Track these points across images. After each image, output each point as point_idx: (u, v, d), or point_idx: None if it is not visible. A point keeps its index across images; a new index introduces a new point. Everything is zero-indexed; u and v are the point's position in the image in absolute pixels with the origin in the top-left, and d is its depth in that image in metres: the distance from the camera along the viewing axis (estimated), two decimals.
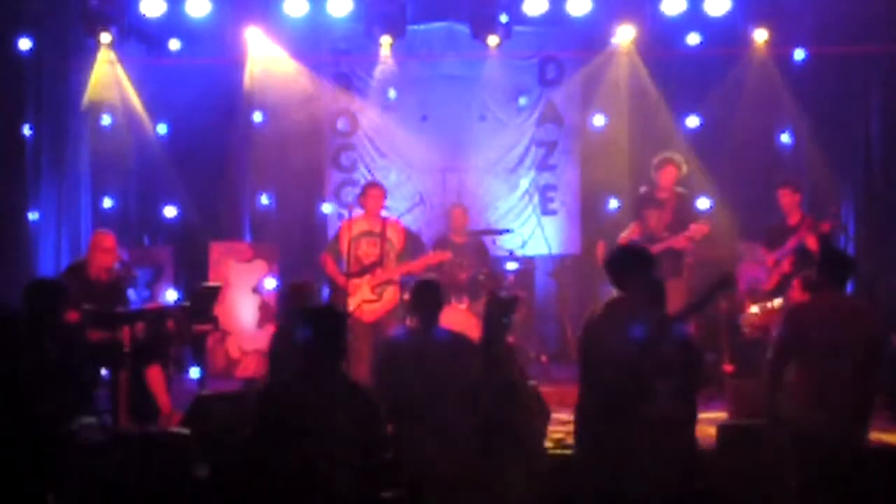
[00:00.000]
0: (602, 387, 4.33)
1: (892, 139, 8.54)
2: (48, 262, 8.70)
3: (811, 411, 4.66)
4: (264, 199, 9.53)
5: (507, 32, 8.80)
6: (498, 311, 5.04)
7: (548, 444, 5.81)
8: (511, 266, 8.43)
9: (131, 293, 7.29)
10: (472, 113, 9.50)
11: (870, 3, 8.34)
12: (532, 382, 5.91)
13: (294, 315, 4.97)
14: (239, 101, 9.18)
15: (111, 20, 8.64)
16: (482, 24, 8.73)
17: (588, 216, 9.43)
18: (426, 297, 4.87)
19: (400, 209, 8.66)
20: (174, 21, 8.76)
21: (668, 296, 6.29)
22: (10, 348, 4.86)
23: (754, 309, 7.04)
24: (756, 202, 8.32)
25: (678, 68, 8.95)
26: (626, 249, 4.86)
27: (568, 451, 5.64)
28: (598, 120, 9.36)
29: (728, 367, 7.14)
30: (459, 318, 7.33)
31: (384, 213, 7.36)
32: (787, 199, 7.33)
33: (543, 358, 8.37)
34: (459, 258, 7.84)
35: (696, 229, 7.27)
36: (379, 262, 7.05)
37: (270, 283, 9.10)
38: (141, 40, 9.04)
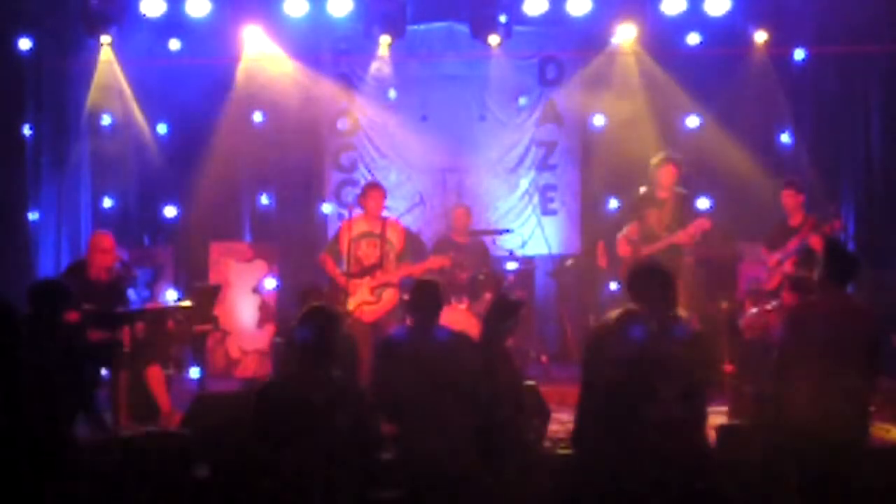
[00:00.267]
0: (606, 390, 4.32)
1: (892, 139, 8.55)
2: (48, 262, 8.70)
3: (813, 411, 4.66)
4: (264, 199, 9.53)
5: (507, 32, 8.80)
6: (500, 313, 5.04)
7: (547, 443, 5.81)
8: (511, 266, 8.44)
9: (131, 293, 7.29)
10: (472, 113, 9.50)
11: (870, 3, 8.35)
12: (531, 382, 5.90)
13: None
14: (239, 101, 9.17)
15: (111, 20, 8.64)
16: (482, 24, 8.73)
17: (588, 216, 9.43)
18: (425, 296, 4.87)
19: (400, 209, 8.66)
20: (174, 21, 8.75)
21: None
22: (10, 348, 4.85)
23: (753, 310, 7.05)
24: (756, 202, 8.32)
25: (678, 68, 8.94)
26: (650, 268, 4.82)
27: (568, 451, 5.66)
28: (598, 120, 9.36)
29: (728, 368, 7.14)
30: (459, 318, 7.33)
31: (384, 214, 7.36)
32: (791, 200, 7.33)
33: (543, 358, 8.37)
34: (460, 258, 7.84)
35: (698, 224, 7.27)
36: (379, 264, 7.05)
37: (270, 283, 9.10)
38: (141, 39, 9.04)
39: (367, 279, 7.03)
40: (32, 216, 8.72)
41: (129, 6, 8.64)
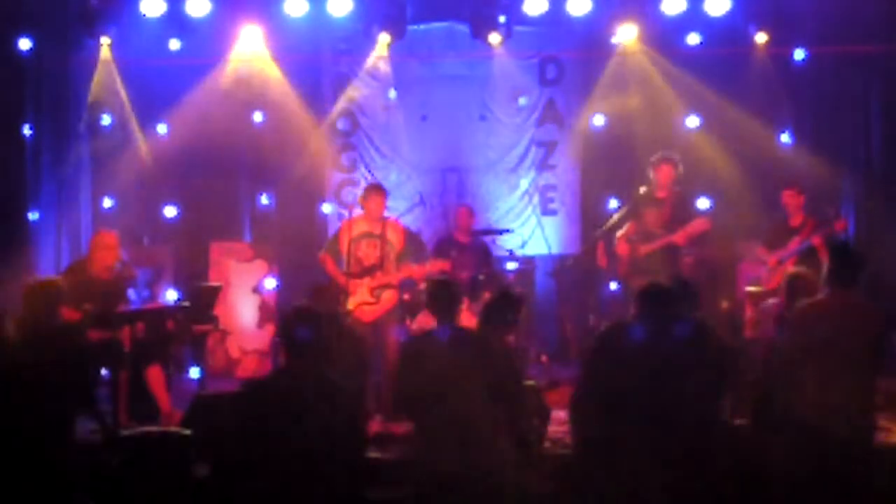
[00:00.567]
0: (620, 390, 4.33)
1: (892, 139, 8.54)
2: (48, 262, 8.70)
3: (817, 410, 4.66)
4: (264, 199, 9.52)
5: (507, 32, 8.80)
6: (500, 305, 5.04)
7: (547, 444, 5.81)
8: (511, 266, 8.44)
9: (131, 293, 7.29)
10: (472, 113, 9.50)
11: (870, 3, 8.35)
12: (531, 382, 5.90)
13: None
14: (239, 101, 9.17)
15: (111, 20, 8.64)
16: (482, 24, 8.73)
17: (588, 216, 9.42)
18: (443, 295, 4.87)
19: (400, 209, 8.67)
20: (174, 21, 8.75)
21: None
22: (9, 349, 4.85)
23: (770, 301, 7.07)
24: (756, 202, 8.32)
25: (678, 68, 8.93)
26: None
27: (567, 451, 5.66)
28: (598, 120, 9.36)
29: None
30: (459, 317, 7.31)
31: (385, 214, 7.35)
32: (792, 201, 7.35)
33: (543, 358, 8.37)
34: (463, 258, 7.84)
35: (696, 225, 7.28)
36: (379, 265, 7.04)
37: (270, 283, 9.10)
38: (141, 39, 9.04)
39: (366, 279, 7.03)
40: (32, 216, 8.72)
41: (128, 6, 8.63)
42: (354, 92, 9.44)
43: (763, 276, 7.49)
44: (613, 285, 8.35)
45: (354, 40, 9.18)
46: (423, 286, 8.04)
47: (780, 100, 8.91)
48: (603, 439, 4.40)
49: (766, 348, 5.50)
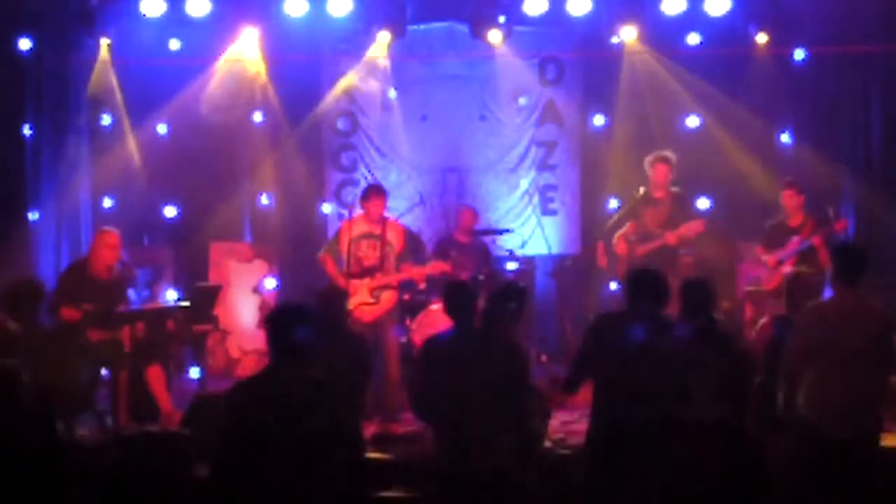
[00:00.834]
0: (630, 389, 4.34)
1: (892, 139, 8.54)
2: (48, 262, 8.70)
3: (824, 411, 4.66)
4: (264, 199, 9.52)
5: (507, 32, 8.80)
6: (502, 296, 5.04)
7: (548, 443, 5.81)
8: (511, 266, 8.44)
9: (131, 293, 7.29)
10: (472, 113, 9.50)
11: (870, 3, 8.35)
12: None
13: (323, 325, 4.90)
14: (239, 101, 9.18)
15: (111, 20, 8.64)
16: (482, 24, 8.73)
17: (588, 216, 9.42)
18: (460, 298, 4.86)
19: (400, 209, 8.67)
20: (174, 21, 8.75)
21: None
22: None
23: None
24: (756, 202, 8.32)
25: (678, 68, 8.93)
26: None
27: (567, 451, 5.67)
28: (598, 120, 9.36)
29: None
30: None
31: (385, 214, 7.35)
32: (792, 201, 7.36)
33: (543, 358, 8.37)
34: (463, 258, 7.84)
35: (691, 227, 7.29)
36: (379, 266, 7.05)
37: (270, 283, 9.10)
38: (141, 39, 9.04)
39: (366, 280, 7.03)
40: (32, 216, 8.72)
41: (128, 6, 8.64)
42: (354, 91, 9.44)
43: (763, 277, 7.50)
44: (613, 285, 8.35)
45: (354, 40, 9.17)
46: (422, 286, 8.07)
47: (780, 100, 8.90)
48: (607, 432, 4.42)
49: (766, 349, 5.50)
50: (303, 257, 8.76)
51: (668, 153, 7.61)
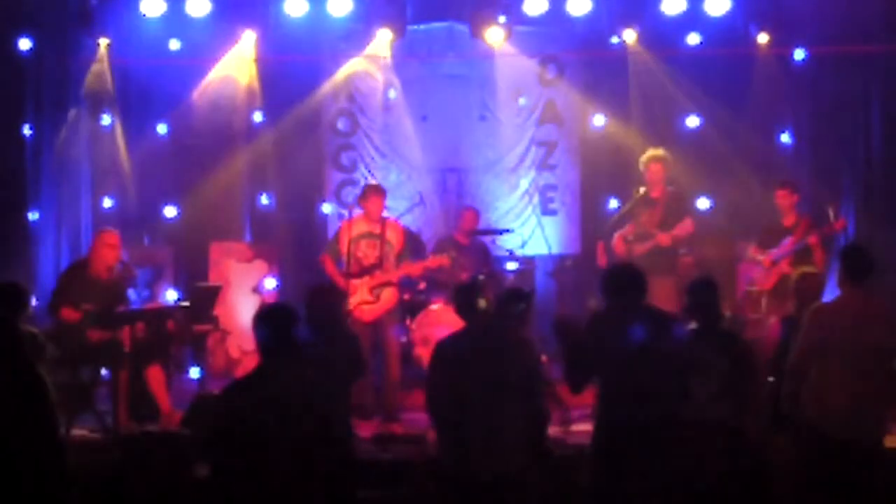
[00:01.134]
0: (635, 389, 4.34)
1: (892, 139, 8.54)
2: (48, 262, 8.70)
3: (828, 412, 4.66)
4: (264, 199, 9.52)
5: (507, 32, 8.80)
6: (508, 299, 5.04)
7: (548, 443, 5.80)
8: (511, 266, 8.44)
9: (131, 293, 7.30)
10: (472, 113, 9.50)
11: (870, 4, 8.35)
12: None
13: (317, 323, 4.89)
14: (239, 101, 9.18)
15: (111, 20, 8.64)
16: (482, 24, 8.72)
17: (588, 216, 9.42)
18: (470, 298, 4.84)
19: (400, 209, 8.67)
20: (174, 21, 8.75)
21: (660, 294, 6.36)
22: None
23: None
24: (756, 202, 8.32)
25: (678, 68, 8.94)
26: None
27: (567, 452, 5.66)
28: (598, 120, 9.36)
29: None
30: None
31: (384, 214, 7.36)
32: (786, 200, 7.37)
33: (543, 358, 8.35)
34: (463, 259, 7.84)
35: (681, 227, 7.30)
36: (378, 264, 7.05)
37: (270, 283, 9.09)
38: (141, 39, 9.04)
39: (366, 279, 7.03)
40: (32, 216, 8.72)
41: (128, 6, 8.64)
42: (354, 92, 9.45)
43: (758, 277, 7.50)
44: None
45: (354, 40, 9.17)
46: (422, 286, 8.08)
47: (780, 100, 8.90)
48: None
49: (775, 349, 5.50)
50: (303, 257, 8.76)
51: (662, 152, 7.61)
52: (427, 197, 9.29)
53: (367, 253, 7.09)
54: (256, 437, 3.78)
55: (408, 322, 7.78)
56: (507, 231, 8.76)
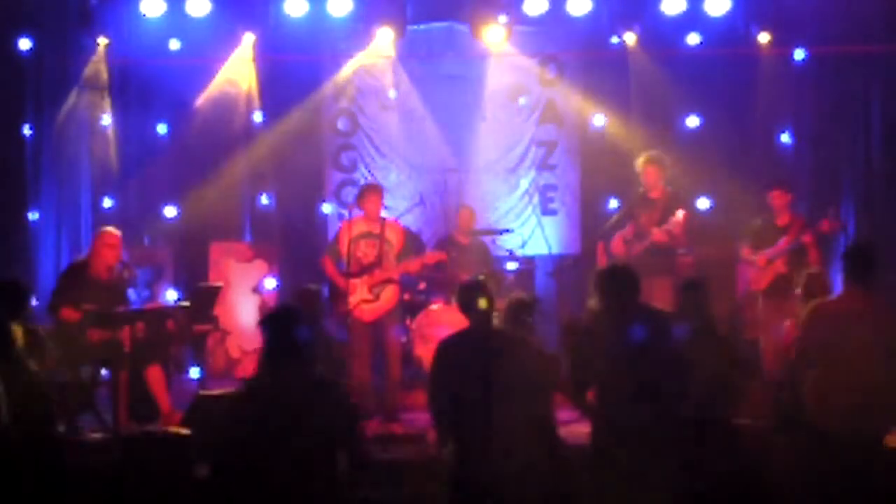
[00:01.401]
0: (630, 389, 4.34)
1: (892, 139, 8.54)
2: (48, 262, 8.70)
3: (829, 411, 4.66)
4: (264, 199, 9.52)
5: (507, 32, 8.80)
6: (519, 310, 5.04)
7: None
8: (511, 266, 8.44)
9: (131, 293, 7.29)
10: (472, 113, 9.50)
11: (870, 4, 8.35)
12: None
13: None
14: (239, 102, 9.18)
15: (111, 20, 8.64)
16: (482, 24, 8.72)
17: (588, 216, 9.41)
18: (474, 297, 4.83)
19: (400, 209, 8.67)
20: (174, 21, 8.75)
21: (658, 294, 6.35)
22: None
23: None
24: (756, 202, 8.31)
25: (678, 68, 8.94)
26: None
27: (567, 452, 5.66)
28: (598, 120, 9.35)
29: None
30: (460, 318, 7.31)
31: (383, 214, 7.36)
32: (781, 201, 7.39)
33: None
34: (463, 259, 7.84)
35: (674, 222, 7.28)
36: (377, 263, 7.04)
37: (270, 283, 9.10)
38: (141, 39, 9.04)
39: (365, 278, 7.03)
40: (32, 216, 8.72)
41: (128, 6, 8.64)
42: (354, 92, 9.45)
43: (752, 277, 7.49)
44: None
45: (354, 40, 9.17)
46: (422, 286, 8.08)
47: (780, 100, 8.90)
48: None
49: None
50: (303, 257, 8.76)
51: (656, 154, 7.60)
52: (427, 197, 9.29)
53: (366, 252, 7.09)
54: (270, 439, 3.79)
55: (408, 322, 7.78)
56: (507, 231, 8.75)
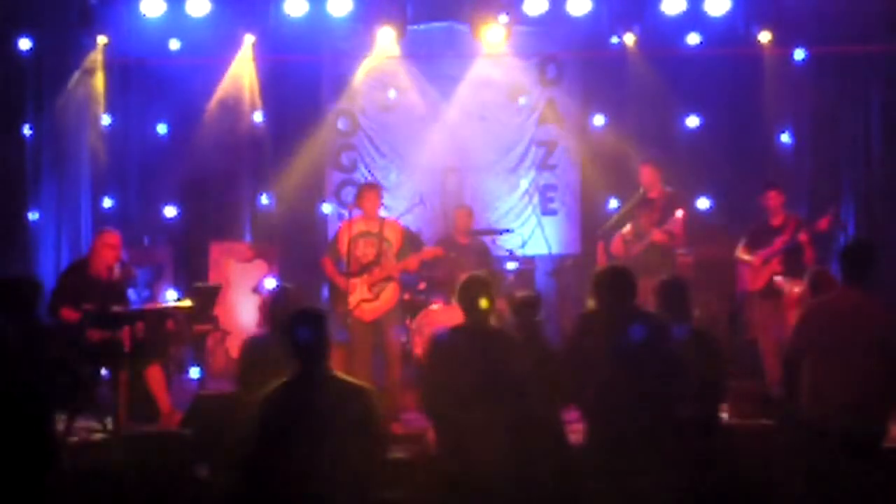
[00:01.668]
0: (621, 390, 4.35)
1: (892, 139, 8.55)
2: (48, 262, 8.70)
3: (824, 409, 4.66)
4: (264, 199, 9.53)
5: (507, 32, 8.80)
6: (529, 310, 5.04)
7: None
8: (511, 266, 8.44)
9: (131, 293, 7.29)
10: (472, 113, 9.50)
11: (870, 4, 8.36)
12: None
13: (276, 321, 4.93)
14: (240, 101, 9.19)
15: (110, 20, 8.65)
16: (482, 24, 8.72)
17: (588, 216, 9.42)
18: (472, 292, 4.81)
19: (400, 209, 8.65)
20: (174, 21, 8.75)
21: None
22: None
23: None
24: (756, 202, 8.31)
25: (678, 68, 8.94)
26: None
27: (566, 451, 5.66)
28: (598, 120, 9.36)
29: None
30: (460, 317, 7.31)
31: (383, 213, 7.36)
32: (776, 201, 7.41)
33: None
34: (462, 259, 7.84)
35: (672, 221, 7.29)
36: (376, 261, 7.04)
37: (270, 283, 9.08)
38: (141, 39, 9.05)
39: (364, 277, 7.02)
40: (32, 216, 8.73)
41: (128, 6, 8.64)
42: (354, 92, 9.46)
43: (748, 277, 7.50)
44: None
45: (354, 40, 9.18)
46: (422, 286, 8.07)
47: (780, 100, 8.90)
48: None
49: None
50: (303, 257, 8.76)
51: (653, 155, 7.64)
52: (427, 197, 9.26)
53: (365, 251, 7.08)
54: (296, 439, 3.81)
55: (408, 322, 7.77)
56: (507, 231, 8.76)
